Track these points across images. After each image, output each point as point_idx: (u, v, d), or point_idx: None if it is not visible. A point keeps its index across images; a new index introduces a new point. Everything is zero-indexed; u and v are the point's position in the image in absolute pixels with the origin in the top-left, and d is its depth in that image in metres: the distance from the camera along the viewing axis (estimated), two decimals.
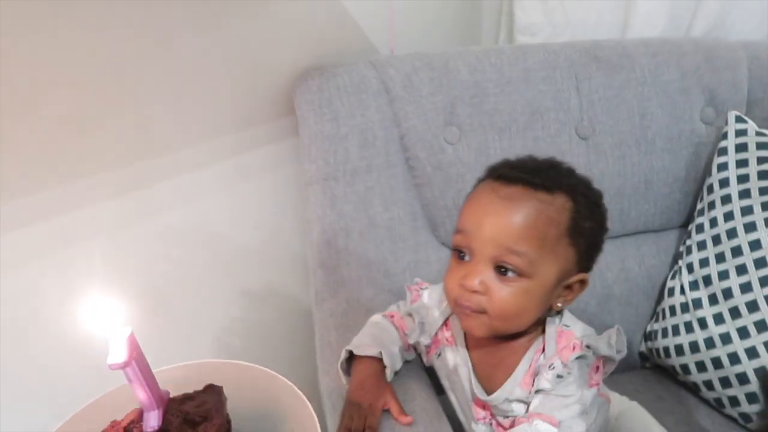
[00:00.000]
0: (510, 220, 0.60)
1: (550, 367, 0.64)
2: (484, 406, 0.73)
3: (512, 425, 0.70)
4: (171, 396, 0.51)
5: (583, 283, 0.66)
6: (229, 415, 0.52)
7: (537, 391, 0.65)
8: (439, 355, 0.76)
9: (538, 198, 0.61)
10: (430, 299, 0.77)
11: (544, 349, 0.66)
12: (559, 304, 0.65)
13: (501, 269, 0.61)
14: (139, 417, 0.50)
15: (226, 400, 0.52)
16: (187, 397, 0.52)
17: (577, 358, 0.63)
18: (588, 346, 0.63)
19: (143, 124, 0.85)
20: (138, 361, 0.46)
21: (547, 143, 0.99)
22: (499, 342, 0.68)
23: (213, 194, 0.98)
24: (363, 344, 0.75)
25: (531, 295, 0.62)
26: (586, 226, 0.63)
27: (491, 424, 0.74)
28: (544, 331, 0.67)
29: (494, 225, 0.61)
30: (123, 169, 0.85)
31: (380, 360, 0.74)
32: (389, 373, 0.74)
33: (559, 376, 0.63)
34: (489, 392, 0.71)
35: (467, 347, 0.73)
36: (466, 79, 0.96)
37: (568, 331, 0.66)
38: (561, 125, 1.00)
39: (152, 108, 0.85)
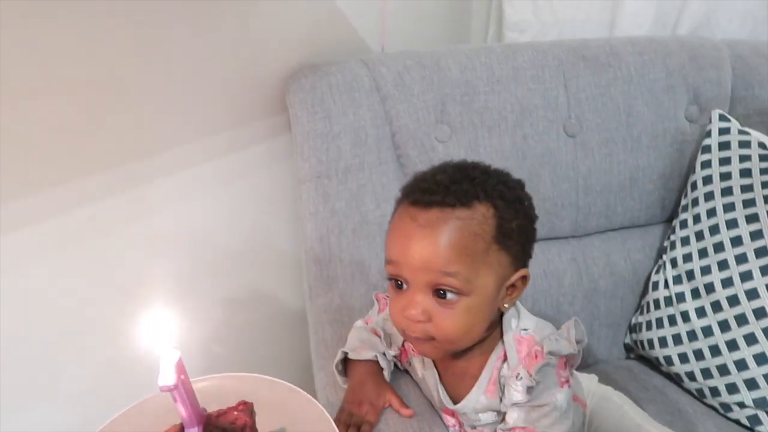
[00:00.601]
0: (434, 246, 0.59)
1: (517, 377, 0.64)
2: (453, 414, 0.74)
3: None
4: (207, 412, 0.53)
5: (524, 279, 0.66)
6: (257, 429, 0.54)
7: (513, 405, 0.65)
8: (410, 363, 0.78)
9: (456, 216, 0.60)
10: None
11: (505, 358, 0.67)
12: (506, 305, 0.66)
13: (439, 292, 0.61)
14: None
15: (255, 415, 0.54)
16: (221, 413, 0.53)
17: (543, 366, 0.64)
18: (550, 352, 0.64)
19: (136, 123, 0.86)
20: (183, 382, 0.48)
21: (536, 141, 1.01)
22: (460, 354, 0.69)
23: (205, 192, 0.99)
24: (356, 347, 0.77)
25: (474, 311, 0.62)
26: (513, 227, 0.62)
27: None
28: (501, 336, 0.68)
29: (420, 253, 0.60)
30: (115, 169, 0.85)
31: (376, 362, 0.75)
32: (387, 375, 0.76)
33: (529, 387, 0.64)
34: (456, 401, 0.72)
35: (433, 360, 0.74)
36: (456, 78, 0.97)
37: (527, 336, 0.66)
38: (549, 123, 1.02)
39: (145, 107, 0.85)
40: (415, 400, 0.74)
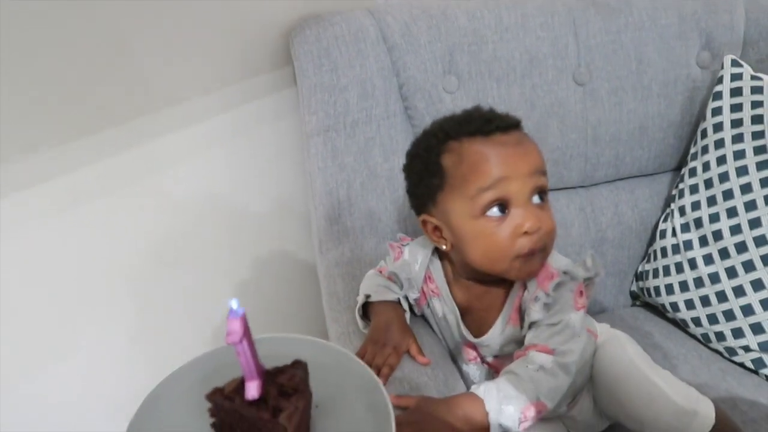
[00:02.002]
0: (534, 153, 0.68)
1: (535, 299, 0.68)
2: (474, 347, 0.77)
3: (500, 363, 0.75)
4: (265, 369, 0.55)
5: None
6: (310, 388, 0.56)
7: (530, 325, 0.69)
8: (428, 305, 0.80)
9: (525, 133, 0.70)
10: (411, 255, 0.79)
11: (526, 287, 0.71)
12: None
13: (540, 196, 0.67)
14: (240, 386, 0.53)
15: (308, 374, 0.56)
16: (278, 371, 0.55)
17: (558, 284, 0.68)
18: (565, 272, 0.68)
19: (139, 80, 0.85)
20: (247, 338, 0.50)
21: (545, 91, 1.00)
22: (486, 287, 0.73)
23: (212, 147, 0.99)
24: (377, 291, 0.78)
25: None
26: None
27: (482, 363, 0.79)
28: None
29: (528, 163, 0.66)
30: (120, 126, 0.85)
31: (399, 305, 0.77)
32: (408, 317, 0.77)
33: (546, 305, 0.68)
34: (478, 335, 0.75)
35: (453, 296, 0.76)
36: (464, 27, 0.95)
37: (545, 264, 0.70)
38: (558, 72, 1.00)
39: (148, 63, 0.84)
40: (430, 348, 0.76)
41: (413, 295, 0.79)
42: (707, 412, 0.71)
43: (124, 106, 0.84)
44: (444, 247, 0.72)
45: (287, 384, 0.53)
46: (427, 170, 0.69)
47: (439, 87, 0.95)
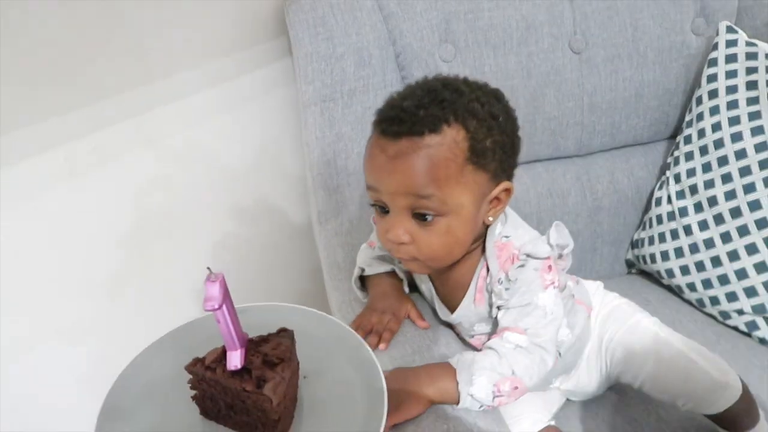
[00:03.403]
0: (406, 174, 0.60)
1: (499, 281, 0.67)
2: (450, 326, 0.77)
3: (479, 342, 0.75)
4: (249, 337, 0.53)
5: (508, 191, 0.66)
6: (297, 357, 0.54)
7: (498, 308, 0.68)
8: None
9: (426, 144, 0.60)
10: None
11: (488, 267, 0.69)
12: (491, 218, 0.67)
13: (418, 214, 0.62)
14: (221, 356, 0.51)
15: (295, 343, 0.54)
16: (262, 340, 0.53)
17: (519, 266, 0.66)
18: (526, 254, 0.66)
19: (135, 50, 0.84)
20: (227, 304, 0.48)
21: (541, 59, 0.99)
22: (450, 267, 0.71)
23: (208, 119, 0.98)
24: (371, 264, 0.78)
25: (454, 230, 0.63)
26: (487, 145, 0.62)
27: (463, 343, 0.78)
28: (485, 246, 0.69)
29: (393, 181, 0.61)
30: (117, 97, 0.84)
31: (395, 274, 0.77)
32: (405, 287, 0.78)
33: (507, 290, 0.67)
34: (452, 313, 0.75)
35: (429, 275, 0.76)
36: None
37: (507, 243, 0.68)
38: (554, 40, 1.00)
39: (144, 33, 0.83)
40: (429, 313, 0.76)
41: (403, 267, 0.79)
42: (736, 383, 0.74)
43: (119, 78, 0.83)
44: None
45: (272, 353, 0.51)
46: None
47: (436, 56, 0.95)
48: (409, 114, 0.60)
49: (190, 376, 0.52)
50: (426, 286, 0.77)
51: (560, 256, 0.70)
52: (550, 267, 0.68)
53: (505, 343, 0.65)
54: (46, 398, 0.87)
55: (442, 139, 0.60)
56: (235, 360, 0.49)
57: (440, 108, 0.60)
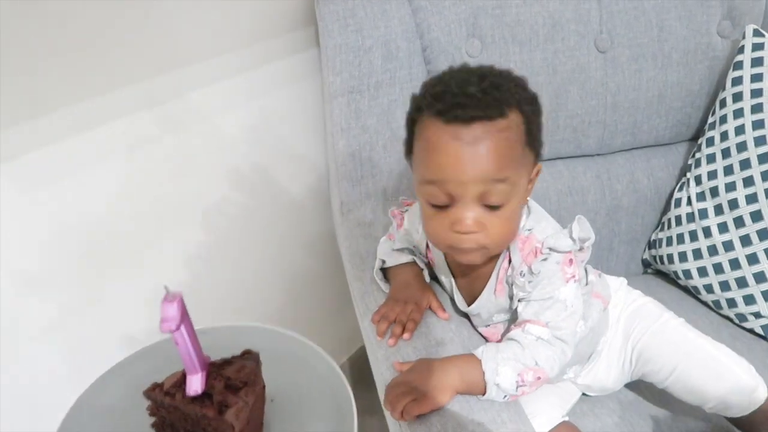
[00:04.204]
0: (485, 160, 0.60)
1: (521, 274, 0.68)
2: (467, 317, 0.78)
3: (491, 333, 0.76)
4: (210, 360, 0.50)
5: (538, 172, 0.68)
6: (263, 380, 0.52)
7: (519, 301, 0.69)
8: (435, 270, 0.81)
9: (498, 128, 0.60)
10: (410, 223, 0.79)
11: (510, 259, 0.70)
12: (528, 199, 0.69)
13: (487, 204, 0.62)
14: (181, 380, 0.48)
15: (261, 365, 0.52)
16: (226, 362, 0.50)
17: (542, 261, 0.67)
18: (549, 248, 0.67)
19: (162, 38, 0.84)
20: (186, 325, 0.46)
21: (566, 56, 1.00)
22: None
23: (233, 107, 0.98)
24: (391, 256, 0.79)
25: (515, 213, 0.65)
26: (536, 126, 0.64)
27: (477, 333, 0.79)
28: None
29: (473, 169, 0.60)
30: (142, 84, 0.84)
31: (416, 265, 0.78)
32: (426, 277, 0.79)
33: (530, 282, 0.68)
34: (470, 304, 0.76)
35: (448, 264, 0.77)
36: None
37: (530, 236, 0.69)
38: (580, 38, 1.00)
39: (172, 21, 0.84)
40: (448, 304, 0.77)
41: (423, 259, 0.80)
42: (763, 386, 0.75)
43: (146, 65, 0.83)
44: None
45: (235, 377, 0.49)
46: (407, 137, 0.67)
47: (462, 50, 0.95)
48: (477, 99, 0.59)
49: (149, 402, 0.50)
50: (446, 277, 0.78)
51: (581, 249, 0.71)
52: (571, 260, 0.68)
53: (527, 335, 0.66)
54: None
55: (509, 122, 0.61)
56: (195, 384, 0.47)
57: (501, 93, 0.61)
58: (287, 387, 0.53)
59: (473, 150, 0.60)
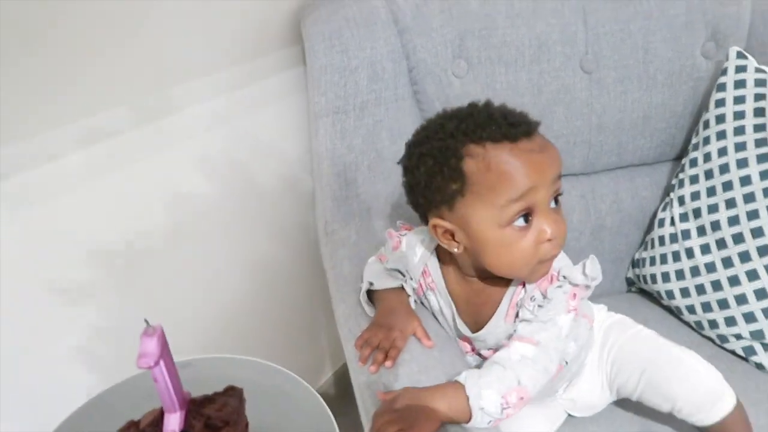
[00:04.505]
0: (556, 158, 0.67)
1: (531, 299, 0.69)
2: (468, 340, 0.79)
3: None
4: (191, 397, 0.48)
5: None
6: (247, 418, 0.50)
7: (521, 321, 0.70)
8: (425, 296, 0.81)
9: (542, 135, 0.68)
10: (409, 247, 0.79)
11: (524, 284, 0.71)
12: None
13: (556, 200, 0.68)
14: (158, 418, 0.46)
15: (245, 402, 0.50)
16: (207, 399, 0.49)
17: (556, 288, 0.69)
18: (564, 276, 0.69)
19: (151, 57, 0.84)
20: (165, 360, 0.44)
21: (552, 77, 1.00)
22: (486, 284, 0.74)
23: (217, 126, 0.98)
24: (379, 278, 0.79)
25: None
26: None
27: (478, 355, 0.80)
28: None
29: (553, 167, 0.66)
30: (132, 103, 0.84)
31: (403, 290, 0.78)
32: (412, 302, 0.79)
33: (539, 306, 0.69)
34: (474, 330, 0.76)
35: (449, 291, 0.77)
36: (475, 11, 0.95)
37: None
38: (566, 59, 1.00)
39: (160, 39, 0.83)
40: (435, 331, 0.77)
41: (413, 284, 0.80)
42: (732, 394, 0.76)
43: (132, 85, 0.83)
44: (456, 250, 0.70)
45: (216, 415, 0.47)
46: (444, 173, 0.66)
47: (449, 71, 0.95)
48: (519, 116, 0.68)
49: None
50: (447, 304, 0.78)
51: (587, 287, 0.72)
52: (575, 295, 0.70)
53: (512, 355, 0.67)
54: None
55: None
56: (172, 424, 0.45)
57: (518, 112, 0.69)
58: (271, 423, 0.52)
59: (546, 155, 0.66)
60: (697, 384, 0.76)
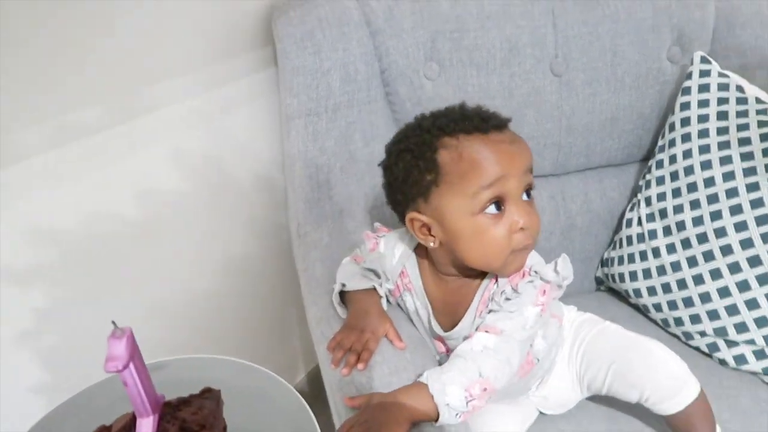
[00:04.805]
0: (526, 150, 0.69)
1: (502, 293, 0.71)
2: (442, 340, 0.80)
3: None
4: (166, 400, 0.47)
5: None
6: (225, 420, 0.49)
7: (489, 312, 0.71)
8: (401, 298, 0.82)
9: (513, 131, 0.71)
10: (387, 248, 0.79)
11: (497, 280, 0.73)
12: None
13: (528, 193, 0.69)
14: (130, 423, 0.45)
15: (223, 404, 0.49)
16: (183, 402, 0.47)
17: (527, 283, 0.70)
18: (536, 272, 0.71)
19: (120, 58, 0.82)
20: (136, 363, 0.42)
21: (523, 80, 1.01)
22: (462, 281, 0.75)
23: (192, 126, 0.97)
24: (353, 279, 0.79)
25: None
26: None
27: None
28: None
29: (523, 158, 0.68)
30: (100, 105, 0.83)
31: (376, 292, 0.78)
32: (385, 303, 0.79)
33: (507, 299, 0.71)
34: (448, 329, 0.77)
35: (426, 291, 0.78)
36: (446, 13, 0.95)
37: None
38: (536, 62, 1.02)
39: (130, 41, 0.82)
40: (408, 333, 0.77)
41: (388, 286, 0.80)
42: (695, 382, 0.79)
43: (106, 85, 0.82)
44: (432, 244, 0.72)
45: (192, 419, 0.45)
46: (420, 166, 0.68)
47: (421, 73, 0.96)
48: (492, 113, 0.71)
49: None
50: (423, 304, 0.79)
51: (559, 287, 0.73)
52: (545, 291, 0.72)
53: (474, 346, 0.68)
54: None
55: None
56: (145, 429, 0.44)
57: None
58: (250, 424, 0.50)
59: (516, 146, 0.68)
60: (664, 371, 0.78)
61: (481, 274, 0.74)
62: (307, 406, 0.53)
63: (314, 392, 1.28)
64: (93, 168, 0.83)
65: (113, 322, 0.42)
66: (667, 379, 0.78)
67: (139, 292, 0.95)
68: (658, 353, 0.80)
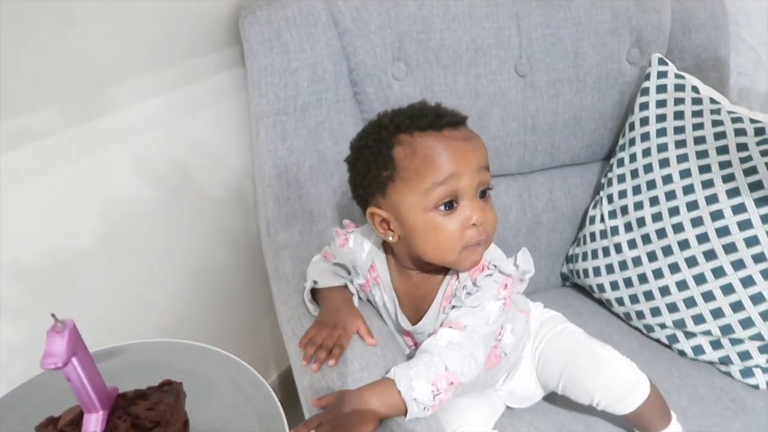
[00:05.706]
0: (481, 148, 0.71)
1: (463, 288, 0.72)
2: (409, 334, 0.81)
3: None
4: (120, 392, 0.43)
5: None
6: (186, 413, 0.45)
7: (451, 308, 0.73)
8: (371, 292, 0.83)
9: (469, 128, 0.73)
10: (356, 243, 0.81)
11: (458, 275, 0.74)
12: None
13: (484, 192, 0.70)
14: (79, 417, 0.42)
15: (185, 397, 0.45)
16: (139, 395, 0.44)
17: (486, 276, 0.72)
18: (494, 265, 0.72)
19: (82, 56, 0.81)
20: (80, 357, 0.39)
21: (488, 80, 1.03)
22: (425, 276, 0.76)
23: (156, 127, 0.96)
24: (324, 277, 0.80)
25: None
26: None
27: None
28: None
29: (476, 156, 0.69)
30: (62, 104, 0.81)
31: (347, 289, 0.79)
32: (356, 300, 0.80)
33: (468, 294, 0.72)
34: (414, 323, 0.78)
35: (393, 285, 0.79)
36: (413, 14, 0.97)
37: None
38: (501, 63, 1.04)
39: (91, 38, 0.81)
40: (378, 329, 0.78)
41: (359, 281, 0.81)
42: (645, 383, 0.81)
43: (63, 85, 0.80)
44: (391, 239, 0.73)
45: (145, 415, 0.42)
46: (377, 162, 0.70)
47: (388, 73, 0.97)
48: (447, 111, 0.72)
49: None
50: (390, 299, 0.80)
51: (521, 280, 0.75)
52: (506, 285, 0.73)
53: (439, 341, 0.69)
54: None
55: None
56: (92, 425, 0.41)
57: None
58: (217, 419, 0.48)
59: (470, 144, 0.69)
60: (612, 377, 0.80)
61: (443, 270, 0.75)
62: (275, 396, 0.52)
63: (285, 395, 1.28)
64: (47, 174, 0.81)
65: (53, 315, 0.39)
66: (617, 386, 0.80)
67: (100, 299, 0.93)
68: (608, 360, 0.82)
